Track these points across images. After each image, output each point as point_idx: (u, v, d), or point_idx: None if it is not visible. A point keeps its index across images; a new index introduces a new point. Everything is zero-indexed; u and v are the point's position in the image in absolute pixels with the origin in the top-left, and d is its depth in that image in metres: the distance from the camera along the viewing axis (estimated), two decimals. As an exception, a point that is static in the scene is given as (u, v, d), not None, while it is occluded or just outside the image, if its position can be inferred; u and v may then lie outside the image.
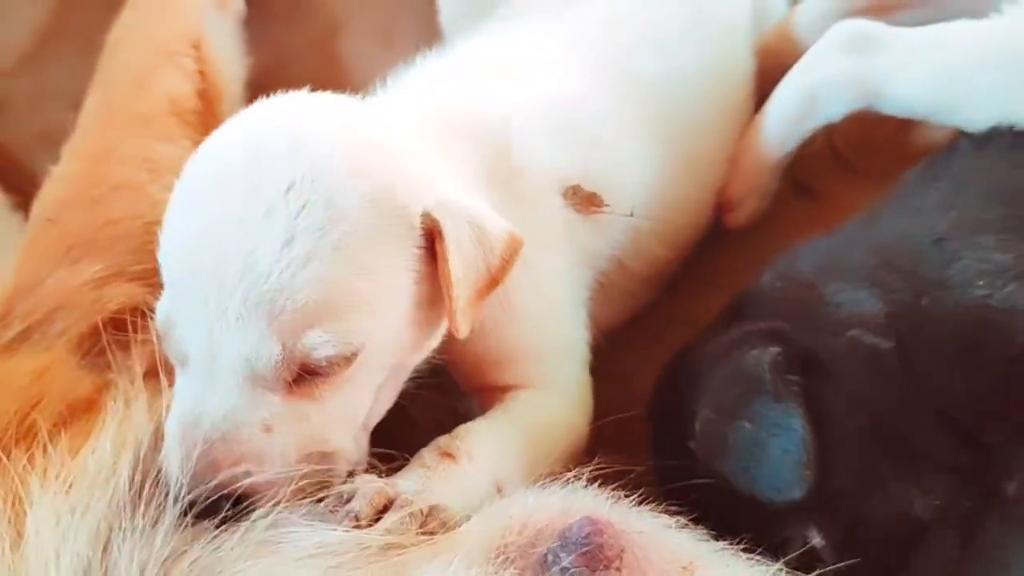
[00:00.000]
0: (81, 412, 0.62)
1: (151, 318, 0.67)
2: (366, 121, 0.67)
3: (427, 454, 0.66)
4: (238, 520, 0.57)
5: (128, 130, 0.81)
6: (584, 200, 0.76)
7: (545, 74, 0.80)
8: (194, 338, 0.60)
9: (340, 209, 0.59)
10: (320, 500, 0.59)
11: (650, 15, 0.86)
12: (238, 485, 0.57)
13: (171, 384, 0.63)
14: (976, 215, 0.70)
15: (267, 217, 0.58)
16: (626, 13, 0.85)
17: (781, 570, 0.58)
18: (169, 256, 0.63)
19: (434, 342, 0.68)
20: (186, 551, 0.55)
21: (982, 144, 0.75)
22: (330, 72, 1.12)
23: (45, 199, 0.78)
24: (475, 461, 0.65)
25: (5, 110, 1.09)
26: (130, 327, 0.67)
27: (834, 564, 0.60)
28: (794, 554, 0.59)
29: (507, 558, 0.56)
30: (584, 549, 0.55)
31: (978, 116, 0.77)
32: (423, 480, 0.62)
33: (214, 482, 0.57)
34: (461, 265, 0.61)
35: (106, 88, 0.88)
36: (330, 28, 1.13)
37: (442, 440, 0.67)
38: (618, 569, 0.55)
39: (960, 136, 0.78)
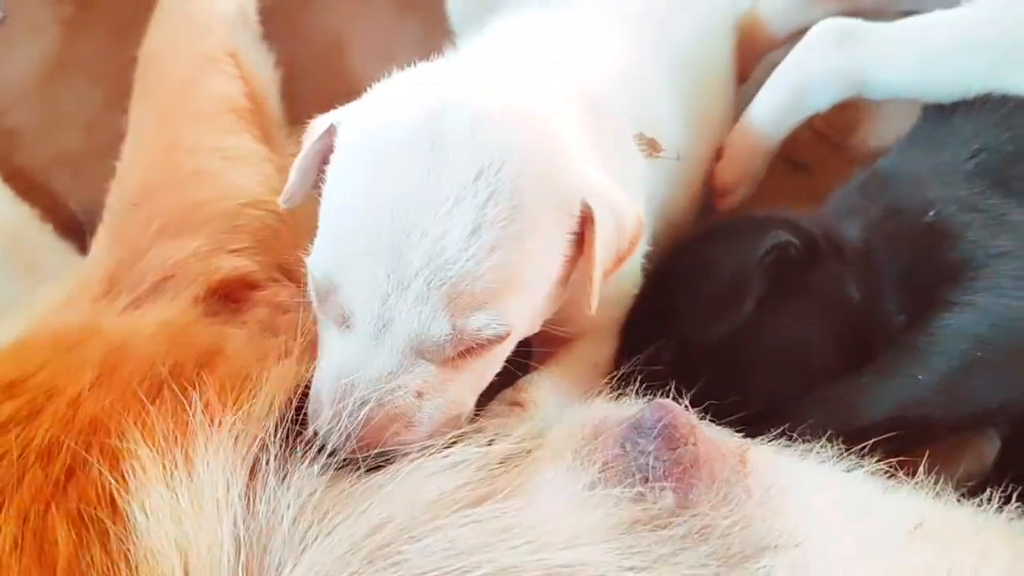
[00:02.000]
0: (215, 357, 0.65)
1: (260, 288, 0.72)
2: (528, 101, 0.69)
3: (496, 406, 0.71)
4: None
5: (189, 125, 0.87)
6: (649, 144, 0.84)
7: (605, 47, 0.87)
8: (364, 304, 0.62)
9: (522, 199, 0.61)
10: None
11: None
12: (388, 448, 0.61)
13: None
14: (952, 163, 0.85)
15: (456, 204, 0.60)
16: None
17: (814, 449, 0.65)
18: (341, 214, 0.64)
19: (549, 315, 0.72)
20: (334, 483, 0.60)
21: (971, 108, 0.88)
22: (336, 85, 1.19)
23: (123, 188, 0.83)
24: (540, 408, 0.72)
25: (19, 137, 1.14)
26: (246, 291, 0.73)
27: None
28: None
29: (588, 455, 0.62)
30: (661, 432, 0.60)
31: (958, 93, 0.89)
32: (503, 425, 0.68)
33: (365, 441, 0.61)
34: (606, 249, 0.65)
35: (154, 94, 0.93)
36: (334, 45, 1.21)
37: (507, 393, 0.73)
38: (695, 444, 0.60)
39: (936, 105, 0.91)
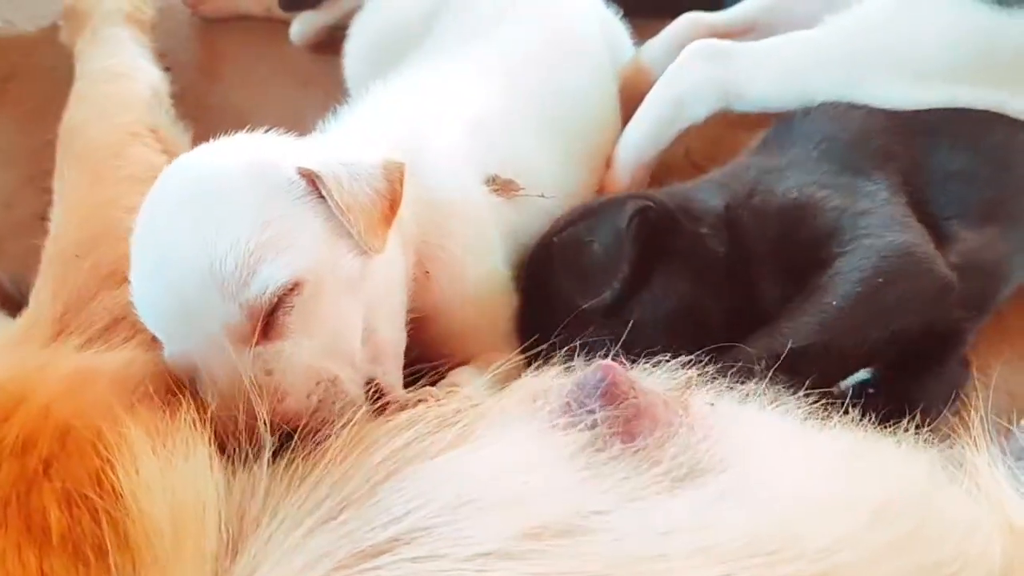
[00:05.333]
0: (183, 390, 0.70)
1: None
2: (243, 138, 0.81)
3: (430, 388, 0.76)
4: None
5: (121, 187, 0.91)
6: (503, 186, 0.92)
7: (465, 93, 0.98)
8: (188, 345, 0.71)
9: (225, 190, 0.72)
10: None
11: (533, 47, 1.06)
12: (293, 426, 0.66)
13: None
14: (802, 154, 0.96)
15: (178, 224, 0.70)
16: (514, 47, 1.06)
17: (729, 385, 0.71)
18: (144, 313, 0.73)
19: (388, 270, 0.79)
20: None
21: (808, 112, 1.01)
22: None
23: (62, 243, 0.87)
24: (475, 386, 0.77)
25: (-61, 216, 1.14)
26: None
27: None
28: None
29: (536, 411, 0.66)
30: (603, 390, 0.65)
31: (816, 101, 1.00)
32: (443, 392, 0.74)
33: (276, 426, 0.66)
34: (348, 195, 0.73)
35: (83, 160, 0.97)
36: (242, 120, 1.27)
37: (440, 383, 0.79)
38: (635, 397, 0.65)
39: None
